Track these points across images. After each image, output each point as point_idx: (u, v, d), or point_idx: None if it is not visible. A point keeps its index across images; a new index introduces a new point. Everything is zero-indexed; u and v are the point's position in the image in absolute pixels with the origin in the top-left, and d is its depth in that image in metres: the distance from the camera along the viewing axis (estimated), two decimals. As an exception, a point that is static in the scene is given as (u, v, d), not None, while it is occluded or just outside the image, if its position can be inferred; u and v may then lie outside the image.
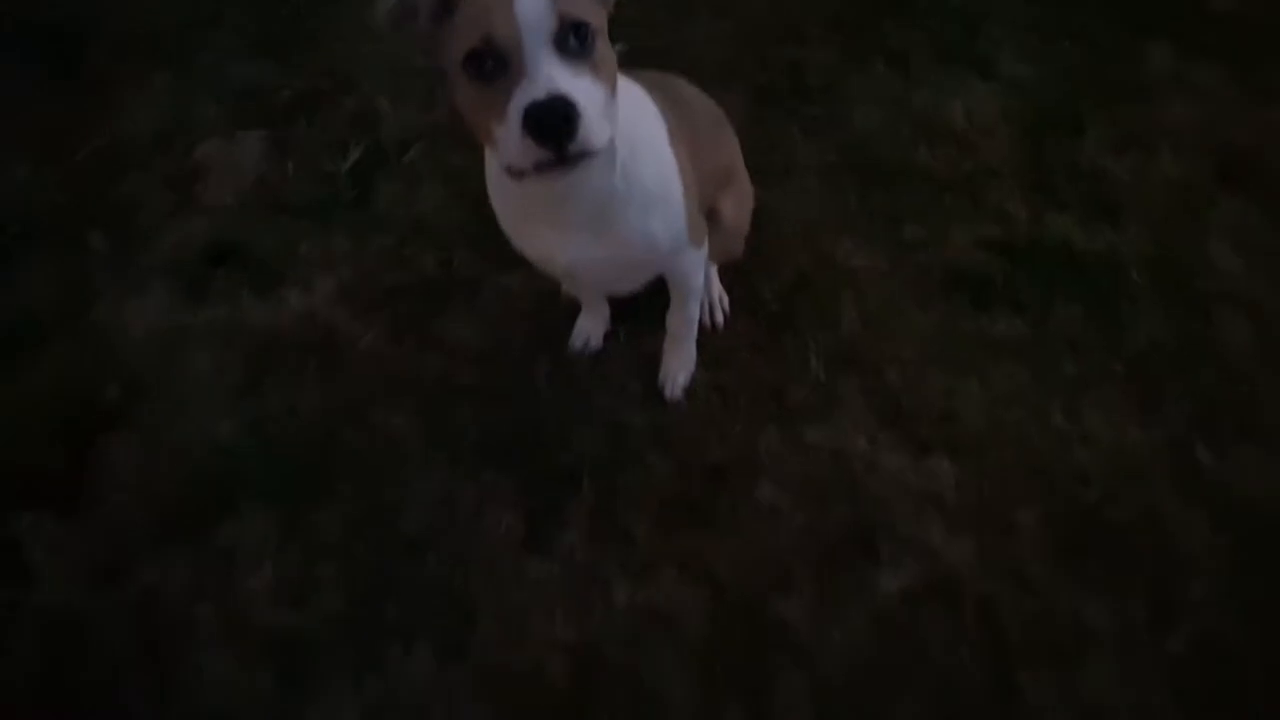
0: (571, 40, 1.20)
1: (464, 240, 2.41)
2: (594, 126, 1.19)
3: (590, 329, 2.19)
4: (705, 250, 1.82)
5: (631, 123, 1.46)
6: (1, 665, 1.83)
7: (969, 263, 2.30)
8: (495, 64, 1.19)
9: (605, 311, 2.19)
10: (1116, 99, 2.67)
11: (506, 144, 1.20)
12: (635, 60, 1.63)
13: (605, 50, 1.28)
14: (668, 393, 2.09)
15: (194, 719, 1.75)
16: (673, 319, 2.01)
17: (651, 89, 1.63)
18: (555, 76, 1.17)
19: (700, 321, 2.10)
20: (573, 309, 2.21)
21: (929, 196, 2.45)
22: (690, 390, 2.08)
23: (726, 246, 2.05)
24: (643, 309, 2.12)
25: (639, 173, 1.51)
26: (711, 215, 1.92)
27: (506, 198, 1.61)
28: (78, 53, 3.07)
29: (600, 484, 1.98)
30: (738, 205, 2.02)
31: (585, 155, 1.21)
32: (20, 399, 2.20)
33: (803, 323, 2.21)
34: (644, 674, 1.73)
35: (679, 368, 2.09)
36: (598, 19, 1.26)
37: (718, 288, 2.24)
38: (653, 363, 2.13)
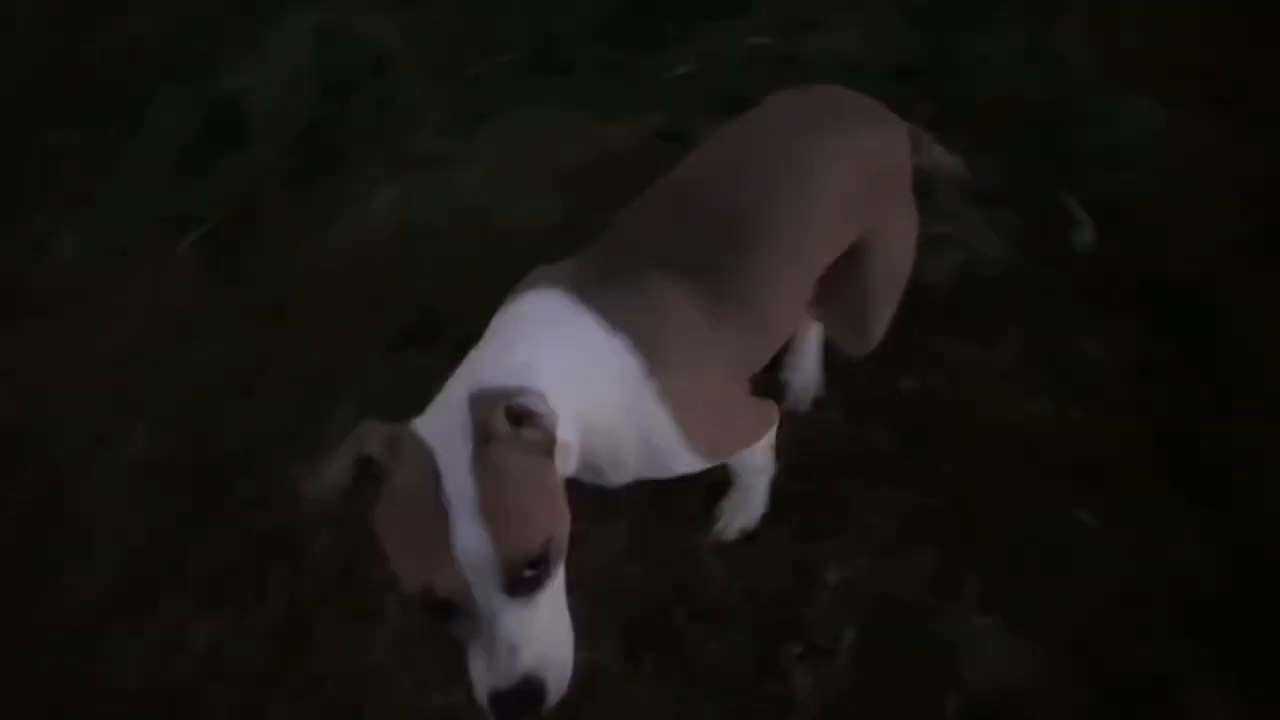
0: (527, 572, 1.00)
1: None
2: (563, 680, 1.03)
3: None
4: (769, 439, 1.54)
5: (596, 415, 1.19)
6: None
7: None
8: (442, 609, 1.00)
9: None
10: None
11: (474, 676, 1.03)
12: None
13: (562, 544, 1.07)
14: (716, 530, 1.74)
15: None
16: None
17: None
18: (518, 637, 0.99)
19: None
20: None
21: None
22: (755, 533, 1.74)
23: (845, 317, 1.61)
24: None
25: (623, 456, 1.26)
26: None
27: None
28: None
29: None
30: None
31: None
32: None
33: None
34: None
35: (734, 513, 1.73)
36: (550, 531, 1.04)
37: (814, 364, 1.83)
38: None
